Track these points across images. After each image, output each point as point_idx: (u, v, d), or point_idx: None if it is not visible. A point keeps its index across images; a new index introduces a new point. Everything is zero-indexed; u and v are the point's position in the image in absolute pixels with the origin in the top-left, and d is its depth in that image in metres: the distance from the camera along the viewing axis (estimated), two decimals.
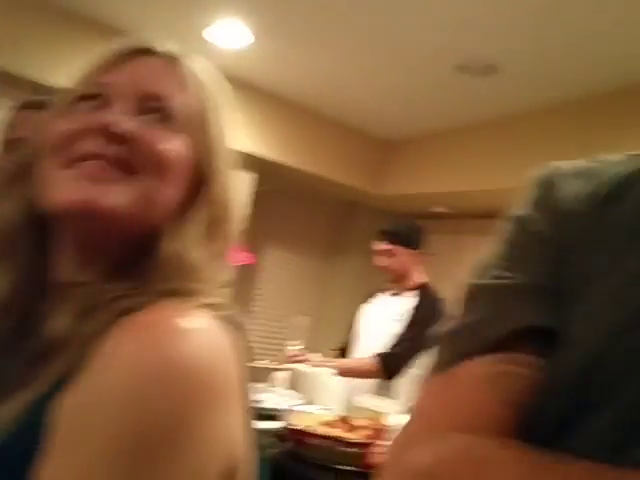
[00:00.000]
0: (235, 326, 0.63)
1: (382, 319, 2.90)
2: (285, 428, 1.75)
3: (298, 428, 1.71)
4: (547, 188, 0.62)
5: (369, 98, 4.18)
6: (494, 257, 0.61)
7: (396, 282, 2.95)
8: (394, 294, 2.96)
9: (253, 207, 4.34)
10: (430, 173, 4.48)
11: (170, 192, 0.65)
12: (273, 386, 2.43)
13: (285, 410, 1.93)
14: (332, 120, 4.67)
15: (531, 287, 0.56)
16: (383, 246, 2.93)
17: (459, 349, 0.55)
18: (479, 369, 0.53)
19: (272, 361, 2.92)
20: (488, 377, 0.52)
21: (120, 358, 0.51)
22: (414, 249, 2.92)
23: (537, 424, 0.51)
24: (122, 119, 0.63)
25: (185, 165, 0.66)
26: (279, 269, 5.22)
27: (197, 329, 0.55)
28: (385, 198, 4.98)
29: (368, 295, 3.15)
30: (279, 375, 2.56)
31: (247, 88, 4.19)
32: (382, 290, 3.07)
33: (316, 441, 1.63)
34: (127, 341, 0.52)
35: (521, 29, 2.92)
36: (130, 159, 0.63)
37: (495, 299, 0.56)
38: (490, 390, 0.52)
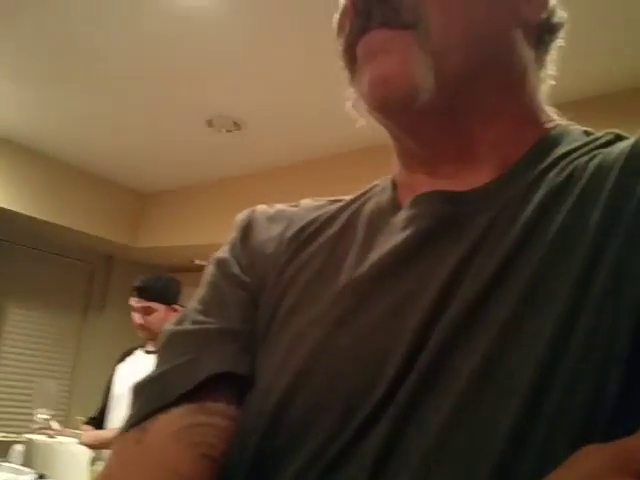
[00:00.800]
0: None
1: (134, 381, 2.73)
2: None
3: None
4: (244, 232, 0.63)
5: (121, 148, 4.08)
6: (195, 301, 0.60)
7: (152, 339, 2.83)
8: (148, 352, 2.84)
9: None
10: (187, 225, 4.48)
11: None
12: (7, 462, 2.17)
13: None
14: (83, 170, 4.46)
15: (225, 332, 0.55)
16: (139, 303, 2.81)
17: (151, 402, 0.52)
18: (170, 423, 0.50)
19: (11, 433, 2.61)
20: (178, 431, 0.50)
21: None
22: (170, 304, 2.84)
23: (233, 474, 0.49)
24: None
25: None
26: (25, 329, 4.74)
27: None
28: (143, 251, 4.85)
29: (124, 354, 2.98)
30: (17, 448, 2.30)
31: None
32: (138, 348, 2.94)
33: None
34: None
35: (264, 90, 3.10)
36: None
37: (189, 346, 0.55)
38: (180, 445, 0.49)
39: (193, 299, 0.60)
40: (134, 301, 2.82)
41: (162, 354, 0.56)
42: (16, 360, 4.65)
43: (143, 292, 2.81)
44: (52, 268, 4.87)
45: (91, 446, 2.41)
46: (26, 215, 4.16)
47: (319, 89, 2.90)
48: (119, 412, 2.71)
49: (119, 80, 3.17)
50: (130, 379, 2.77)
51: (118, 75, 3.13)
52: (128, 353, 2.96)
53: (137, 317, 2.81)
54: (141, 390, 0.54)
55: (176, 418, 0.50)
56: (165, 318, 2.79)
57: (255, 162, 4.01)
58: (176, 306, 2.85)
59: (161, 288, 2.86)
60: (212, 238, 4.27)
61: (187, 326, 0.57)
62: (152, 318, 2.79)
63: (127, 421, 0.53)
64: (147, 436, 0.50)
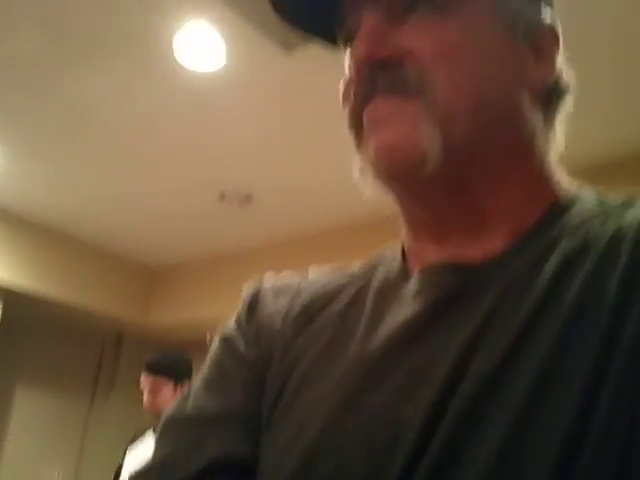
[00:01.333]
0: None
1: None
2: None
3: None
4: (250, 306, 0.61)
5: (131, 224, 4.11)
6: (198, 381, 0.58)
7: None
8: None
9: None
10: (200, 299, 4.43)
11: None
12: None
13: None
14: (92, 246, 4.45)
15: (228, 415, 0.54)
16: (146, 379, 2.73)
17: None
18: None
19: None
20: None
21: None
22: (180, 383, 2.75)
23: None
24: None
25: None
26: (32, 411, 4.61)
27: None
28: (154, 328, 4.79)
29: (135, 436, 2.86)
30: None
31: None
32: (150, 429, 2.82)
33: None
34: None
35: (275, 163, 3.15)
36: None
37: (189, 431, 0.53)
38: None
39: (197, 377, 0.59)
40: (142, 378, 2.75)
41: (161, 440, 0.55)
42: (22, 444, 4.51)
43: (151, 368, 2.74)
44: (61, 347, 4.80)
45: None
46: (34, 293, 4.14)
47: (329, 161, 2.92)
48: None
49: (130, 156, 3.22)
50: (138, 463, 2.66)
51: (129, 152, 3.18)
52: (139, 434, 2.85)
53: (145, 395, 2.72)
54: (142, 476, 0.53)
55: None
56: (173, 397, 2.69)
57: (267, 234, 4.02)
58: (185, 384, 2.75)
59: (169, 364, 2.79)
60: (226, 311, 4.20)
61: (188, 411, 0.55)
62: (160, 397, 2.70)
63: None
64: None
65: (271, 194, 3.50)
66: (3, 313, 4.07)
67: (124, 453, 2.83)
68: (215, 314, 4.20)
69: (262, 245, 4.12)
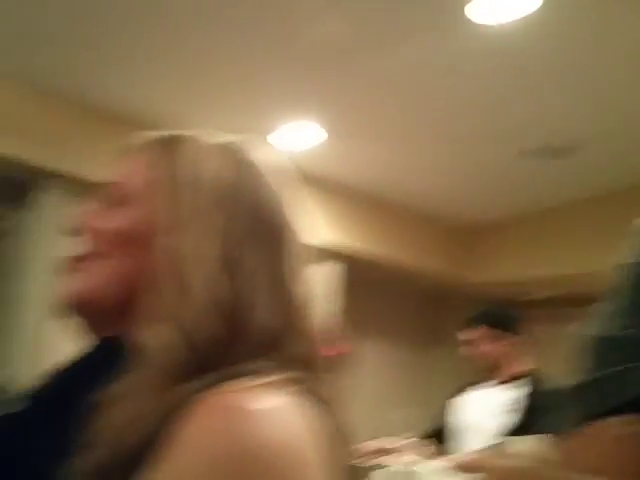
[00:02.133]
0: (323, 401, 0.57)
1: (487, 412, 2.59)
2: None
3: None
4: None
5: (446, 186, 4.19)
6: (615, 306, 0.56)
7: (492, 371, 2.69)
8: (501, 382, 2.67)
9: (345, 298, 4.33)
10: (518, 258, 4.37)
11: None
12: None
13: None
14: (411, 210, 4.66)
15: None
16: (478, 332, 2.71)
17: (588, 407, 0.52)
18: (609, 428, 0.50)
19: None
20: (620, 437, 0.49)
21: (192, 449, 0.48)
22: (514, 334, 2.69)
23: None
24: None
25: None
26: (373, 361, 5.12)
27: (268, 411, 0.49)
28: (475, 285, 4.86)
29: (458, 389, 2.88)
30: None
31: (325, 185, 4.24)
32: (475, 383, 2.81)
33: None
34: (198, 428, 0.49)
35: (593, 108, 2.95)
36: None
37: (624, 354, 0.52)
38: (630, 447, 0.49)
39: (606, 302, 0.57)
40: (469, 331, 2.76)
41: (593, 359, 0.55)
42: (373, 387, 5.01)
43: (484, 319, 2.73)
44: (394, 304, 5.25)
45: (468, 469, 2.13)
46: (370, 256, 4.54)
47: None
48: (464, 443, 2.61)
49: (437, 123, 3.33)
50: (476, 412, 2.67)
51: (433, 119, 3.29)
52: (461, 389, 2.84)
53: (473, 348, 2.73)
54: (577, 394, 0.55)
55: (616, 426, 0.50)
56: (507, 348, 2.67)
57: (588, 187, 3.78)
58: (520, 337, 2.70)
59: (506, 317, 2.75)
60: (552, 269, 4.06)
61: (616, 332, 0.54)
62: (493, 347, 2.68)
63: (564, 423, 0.55)
64: (585, 438, 0.52)
65: (595, 143, 3.27)
66: (347, 275, 4.54)
67: (443, 408, 2.84)
68: (536, 271, 4.10)
69: (582, 199, 3.89)
